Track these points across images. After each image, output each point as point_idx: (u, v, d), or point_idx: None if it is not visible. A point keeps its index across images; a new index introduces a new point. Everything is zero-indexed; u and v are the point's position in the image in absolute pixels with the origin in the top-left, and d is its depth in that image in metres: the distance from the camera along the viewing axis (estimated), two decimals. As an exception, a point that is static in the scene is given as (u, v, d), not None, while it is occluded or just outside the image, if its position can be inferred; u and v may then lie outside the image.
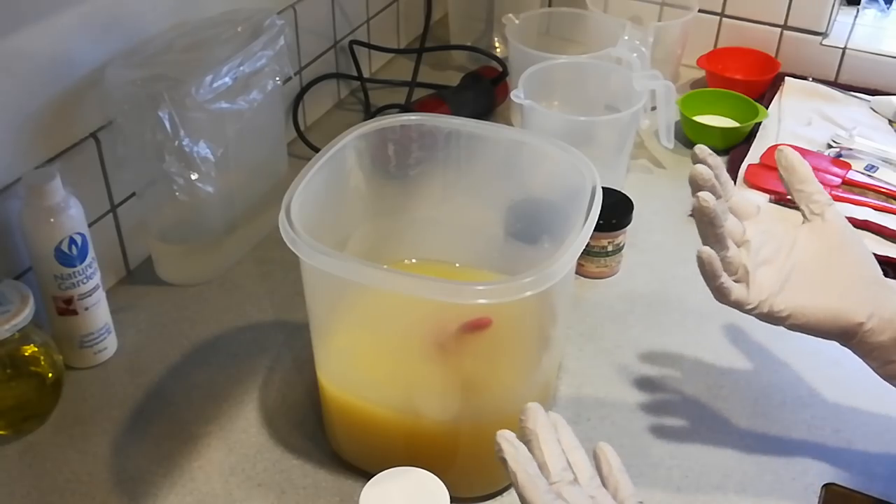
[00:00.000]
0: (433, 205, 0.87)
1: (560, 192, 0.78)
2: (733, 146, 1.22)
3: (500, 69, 1.29)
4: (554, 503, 0.55)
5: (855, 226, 1.03)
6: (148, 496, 0.74)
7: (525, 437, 0.59)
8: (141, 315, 0.93)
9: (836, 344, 0.93)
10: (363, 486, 0.61)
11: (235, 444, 0.79)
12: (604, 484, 0.59)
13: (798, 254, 0.71)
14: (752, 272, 0.70)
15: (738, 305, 0.70)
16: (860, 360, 0.90)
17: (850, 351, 0.92)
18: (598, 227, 0.71)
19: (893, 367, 0.71)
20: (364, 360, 0.76)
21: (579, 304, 0.96)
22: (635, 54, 1.15)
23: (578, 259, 0.68)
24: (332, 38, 1.28)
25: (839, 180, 1.11)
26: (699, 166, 0.70)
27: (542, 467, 0.58)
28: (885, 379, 0.73)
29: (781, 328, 0.94)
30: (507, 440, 0.58)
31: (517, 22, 1.21)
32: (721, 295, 0.70)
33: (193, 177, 0.87)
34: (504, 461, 0.57)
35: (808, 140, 1.20)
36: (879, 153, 1.17)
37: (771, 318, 0.70)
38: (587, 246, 0.68)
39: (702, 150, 0.73)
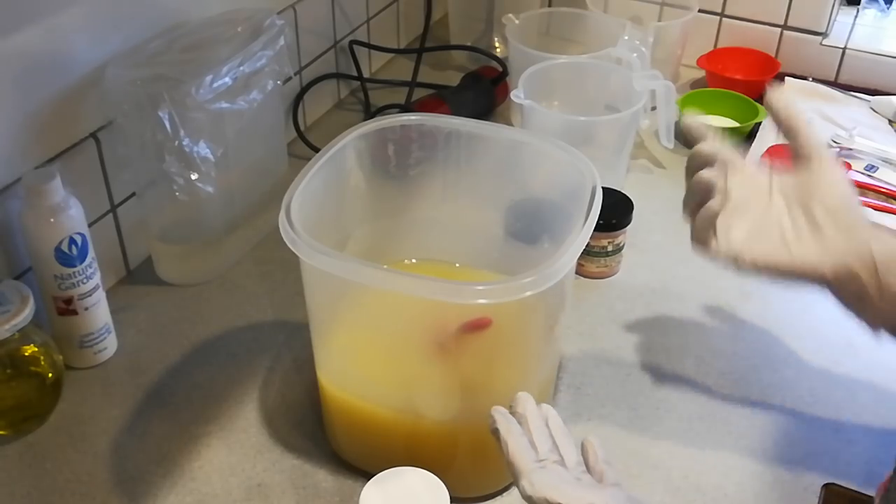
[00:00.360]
0: (433, 205, 0.87)
1: (560, 192, 0.78)
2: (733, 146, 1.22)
3: (500, 69, 1.29)
4: (541, 471, 0.57)
5: (855, 226, 1.03)
6: (148, 496, 0.74)
7: (515, 420, 0.62)
8: (141, 315, 0.93)
9: (836, 344, 0.93)
10: (363, 486, 0.62)
11: (235, 444, 0.79)
12: (589, 472, 0.61)
13: (775, 204, 0.71)
14: (725, 221, 0.69)
15: (708, 253, 0.70)
16: (860, 361, 0.90)
17: (849, 350, 0.93)
18: (598, 227, 0.71)
19: (868, 317, 0.70)
20: (364, 360, 0.76)
21: (579, 304, 0.96)
22: (635, 54, 1.15)
23: (578, 259, 0.68)
24: (332, 38, 1.28)
25: (839, 180, 1.11)
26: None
27: (531, 446, 0.60)
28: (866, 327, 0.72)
29: (784, 329, 0.94)
30: (500, 413, 0.61)
31: (517, 22, 1.21)
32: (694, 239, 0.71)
33: (193, 177, 0.87)
34: (496, 432, 0.60)
35: (808, 140, 1.20)
36: (879, 153, 1.17)
37: (737, 265, 0.70)
38: (587, 246, 0.68)
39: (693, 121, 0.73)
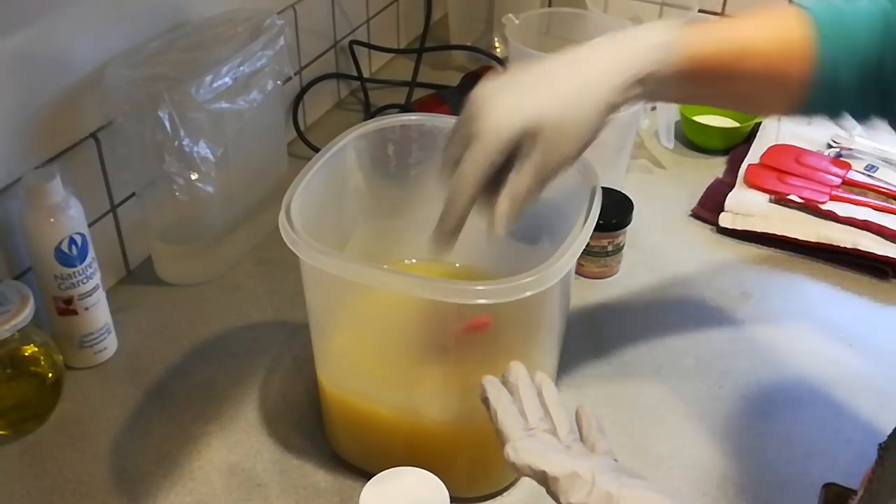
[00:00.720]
0: (433, 205, 0.86)
1: (560, 192, 0.78)
2: (733, 146, 1.22)
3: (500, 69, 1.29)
4: (527, 439, 0.57)
5: (855, 226, 1.04)
6: (148, 496, 0.74)
7: (507, 390, 0.62)
8: (141, 315, 0.93)
9: (836, 344, 0.93)
10: (363, 486, 0.61)
11: (235, 444, 0.79)
12: (583, 441, 0.61)
13: None
14: None
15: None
16: (860, 361, 0.90)
17: (849, 350, 0.93)
18: (598, 227, 0.71)
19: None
20: (364, 360, 0.76)
21: (579, 304, 0.96)
22: (635, 54, 1.14)
23: (578, 259, 0.68)
24: (332, 38, 1.28)
25: (839, 180, 1.11)
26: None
27: (521, 415, 0.60)
28: None
29: (784, 329, 0.94)
30: (490, 382, 0.62)
31: (517, 22, 1.21)
32: None
33: (193, 177, 0.87)
34: (486, 401, 0.61)
35: (807, 140, 1.20)
36: (879, 153, 1.17)
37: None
38: (587, 246, 0.68)
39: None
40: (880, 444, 0.61)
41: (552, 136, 0.63)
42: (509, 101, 0.64)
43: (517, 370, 0.64)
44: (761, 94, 0.69)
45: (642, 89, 0.65)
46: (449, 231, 0.67)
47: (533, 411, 0.61)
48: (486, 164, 0.63)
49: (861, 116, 0.68)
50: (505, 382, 0.63)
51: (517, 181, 0.64)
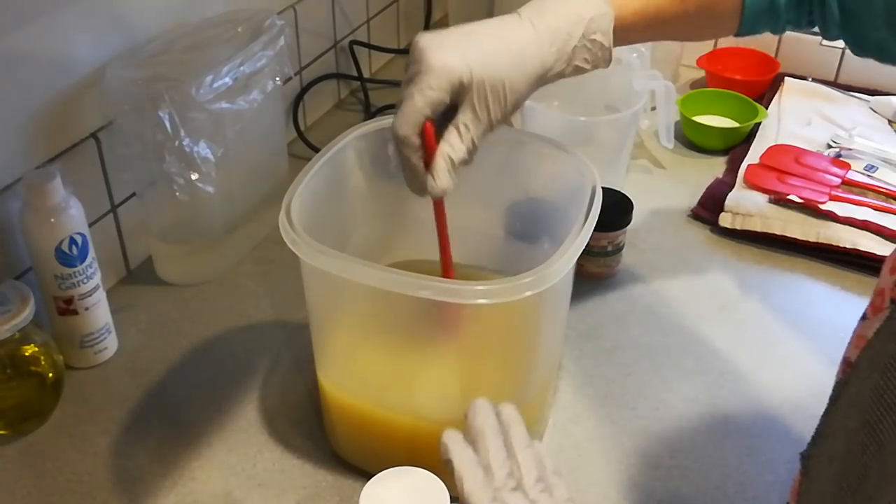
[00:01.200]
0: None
1: (560, 192, 0.78)
2: (733, 146, 1.22)
3: (500, 69, 1.29)
4: None
5: (854, 226, 1.04)
6: (148, 496, 0.74)
7: (471, 437, 0.59)
8: (141, 315, 0.93)
9: (836, 344, 0.93)
10: (363, 486, 0.62)
11: (235, 444, 0.79)
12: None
13: None
14: None
15: None
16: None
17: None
18: (598, 227, 0.71)
19: None
20: (364, 360, 0.76)
21: (579, 304, 0.96)
22: (635, 54, 1.15)
23: (578, 259, 0.68)
24: (332, 38, 1.28)
25: (839, 180, 1.11)
26: None
27: (487, 470, 0.57)
28: None
29: (784, 329, 0.94)
30: (453, 441, 0.58)
31: (517, 22, 1.21)
32: None
33: (193, 177, 0.87)
34: (449, 463, 0.57)
35: (807, 140, 1.20)
36: (879, 153, 1.17)
37: None
38: (587, 246, 0.68)
39: None
40: (802, 454, 0.59)
41: (493, 87, 0.65)
42: (454, 48, 0.65)
43: (483, 413, 0.60)
44: (699, 31, 0.79)
45: (584, 55, 0.70)
46: (416, 176, 0.68)
47: (499, 466, 0.57)
48: (429, 103, 0.64)
49: (800, 28, 0.77)
50: (469, 427, 0.60)
51: (453, 135, 0.66)
